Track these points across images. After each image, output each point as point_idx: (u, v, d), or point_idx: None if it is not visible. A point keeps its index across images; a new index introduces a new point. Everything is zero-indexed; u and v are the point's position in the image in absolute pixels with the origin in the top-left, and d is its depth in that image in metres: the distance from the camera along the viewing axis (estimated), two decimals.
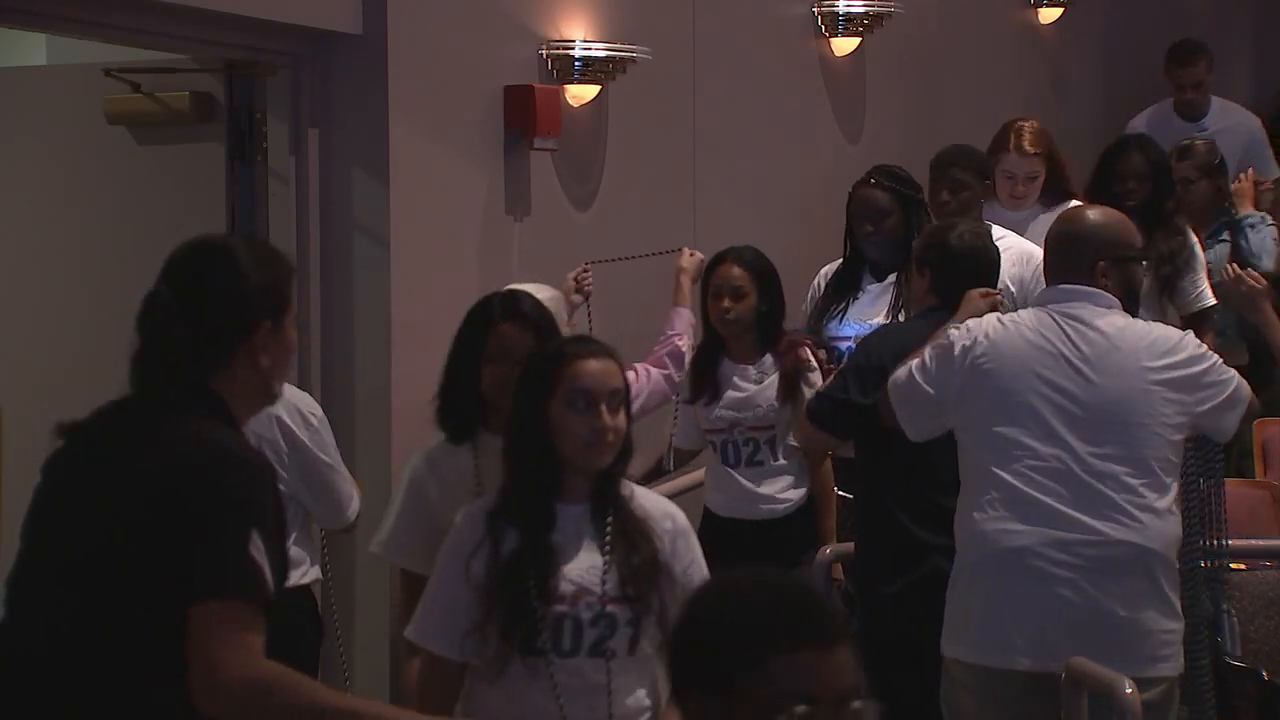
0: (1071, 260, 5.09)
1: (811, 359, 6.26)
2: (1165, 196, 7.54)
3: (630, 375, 5.74)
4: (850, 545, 6.07)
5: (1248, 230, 8.14)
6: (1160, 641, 4.88)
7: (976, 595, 4.96)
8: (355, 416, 6.23)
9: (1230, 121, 9.24)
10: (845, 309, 6.75)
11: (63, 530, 3.50)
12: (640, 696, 4.01)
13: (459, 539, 4.04)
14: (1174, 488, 4.96)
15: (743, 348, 6.24)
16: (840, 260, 6.84)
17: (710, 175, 7.69)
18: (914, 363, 5.13)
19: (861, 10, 8.26)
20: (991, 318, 5.12)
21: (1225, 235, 8.14)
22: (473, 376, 4.62)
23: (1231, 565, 5.62)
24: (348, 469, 5.64)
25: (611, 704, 3.96)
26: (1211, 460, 5.41)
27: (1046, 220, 7.39)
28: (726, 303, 6.22)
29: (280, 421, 5.29)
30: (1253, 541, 5.88)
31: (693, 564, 4.08)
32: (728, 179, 7.77)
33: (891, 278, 6.68)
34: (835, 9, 8.25)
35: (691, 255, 6.45)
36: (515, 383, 4.12)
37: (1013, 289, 6.41)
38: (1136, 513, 4.86)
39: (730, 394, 6.23)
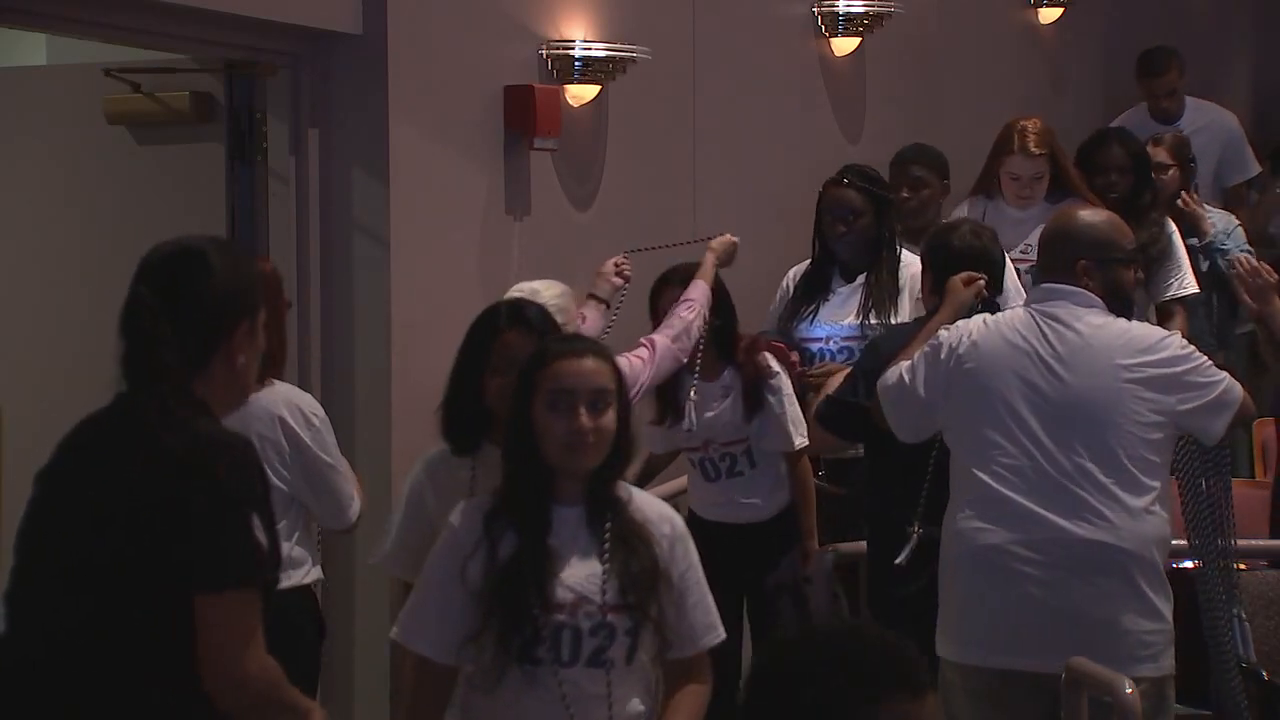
0: (1056, 259, 5.12)
1: (773, 365, 6.24)
2: (1144, 189, 7.54)
3: (634, 359, 5.76)
4: (848, 546, 6.09)
5: (1216, 255, 8.14)
6: (1138, 642, 4.88)
7: (956, 594, 5.00)
8: (355, 416, 6.22)
9: (1206, 119, 9.22)
10: (816, 310, 6.74)
11: (58, 538, 3.51)
12: (635, 704, 3.98)
13: (454, 539, 3.99)
14: (1156, 487, 4.94)
15: (705, 364, 6.19)
16: (808, 261, 6.83)
17: (710, 175, 7.69)
18: (904, 364, 5.15)
19: (861, 10, 8.26)
20: (978, 318, 5.14)
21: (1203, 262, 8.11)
22: (477, 387, 4.58)
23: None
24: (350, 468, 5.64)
25: (612, 714, 3.92)
26: (1219, 461, 5.41)
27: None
28: None
29: (282, 422, 5.28)
30: (1253, 542, 5.87)
31: (689, 569, 4.04)
32: (728, 179, 7.77)
33: (861, 278, 6.69)
34: (835, 9, 8.24)
35: (725, 236, 6.40)
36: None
37: None
38: (1108, 512, 4.87)
39: (704, 415, 6.19)
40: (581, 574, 3.91)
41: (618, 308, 6.33)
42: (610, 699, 3.92)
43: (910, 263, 6.67)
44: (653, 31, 7.23)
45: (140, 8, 5.76)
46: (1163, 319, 7.25)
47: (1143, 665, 4.85)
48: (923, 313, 5.82)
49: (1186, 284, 7.49)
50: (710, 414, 6.20)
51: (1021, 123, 7.43)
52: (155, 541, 3.37)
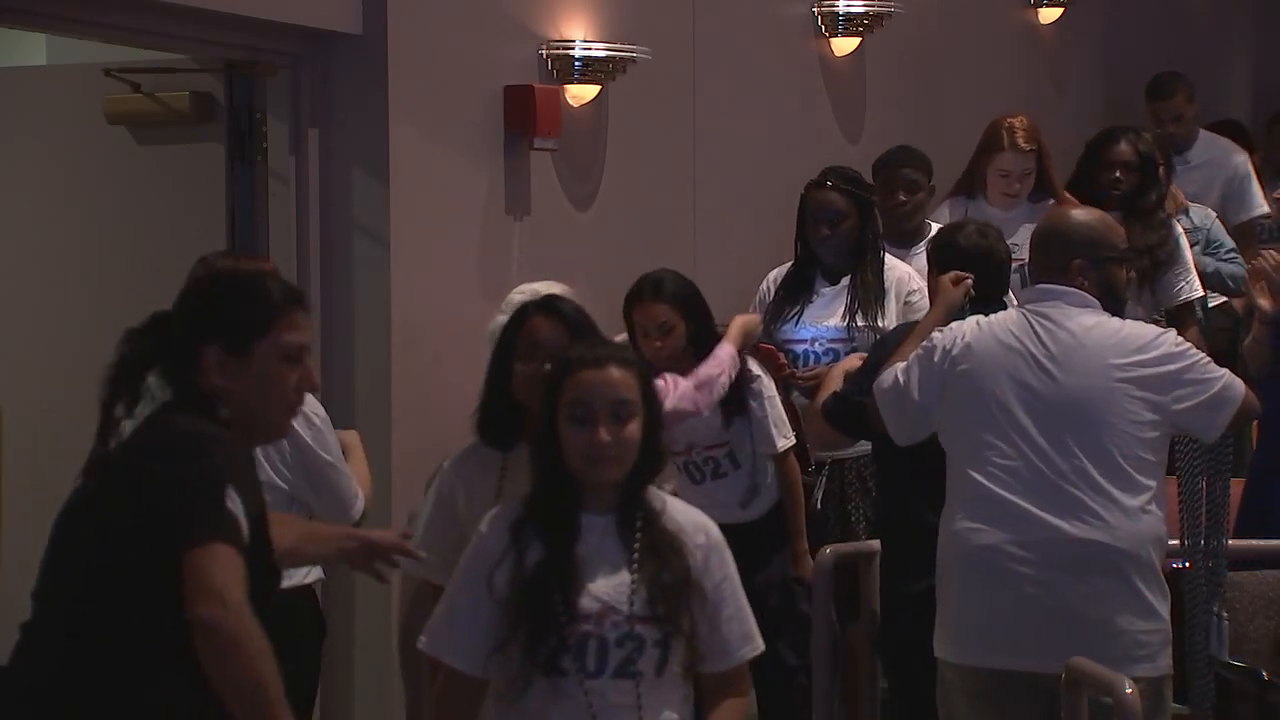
0: (1050, 259, 5.11)
1: (753, 368, 6.24)
2: (1150, 189, 7.51)
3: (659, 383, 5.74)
4: (846, 546, 6.09)
5: (1220, 263, 8.11)
6: (1134, 642, 4.88)
7: (953, 595, 5.00)
8: (355, 416, 6.22)
9: (1213, 154, 9.08)
10: (800, 312, 6.73)
11: (68, 533, 3.60)
12: (668, 716, 3.87)
13: (482, 548, 3.89)
14: (1152, 486, 4.94)
15: (682, 369, 6.19)
16: (789, 264, 6.82)
17: (710, 175, 7.69)
18: (899, 366, 5.15)
19: (861, 10, 8.26)
20: (971, 319, 5.13)
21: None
22: (507, 380, 4.53)
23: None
24: (356, 465, 5.64)
25: None
26: (1220, 459, 5.41)
27: (1035, 219, 7.42)
28: (657, 343, 6.15)
29: None
30: (1253, 542, 5.87)
31: (725, 580, 3.92)
32: (728, 179, 7.77)
33: (845, 280, 6.69)
34: (835, 9, 8.24)
35: (754, 316, 6.38)
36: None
37: None
38: (1103, 511, 4.86)
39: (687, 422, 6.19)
40: (609, 583, 3.82)
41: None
42: (640, 711, 3.83)
43: (893, 265, 6.68)
44: (653, 31, 7.23)
45: (140, 8, 5.76)
46: (1179, 325, 7.19)
47: (1139, 665, 4.85)
48: (912, 316, 5.82)
49: (1195, 287, 7.49)
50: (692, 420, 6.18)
51: (1009, 120, 7.43)
52: (137, 523, 3.44)
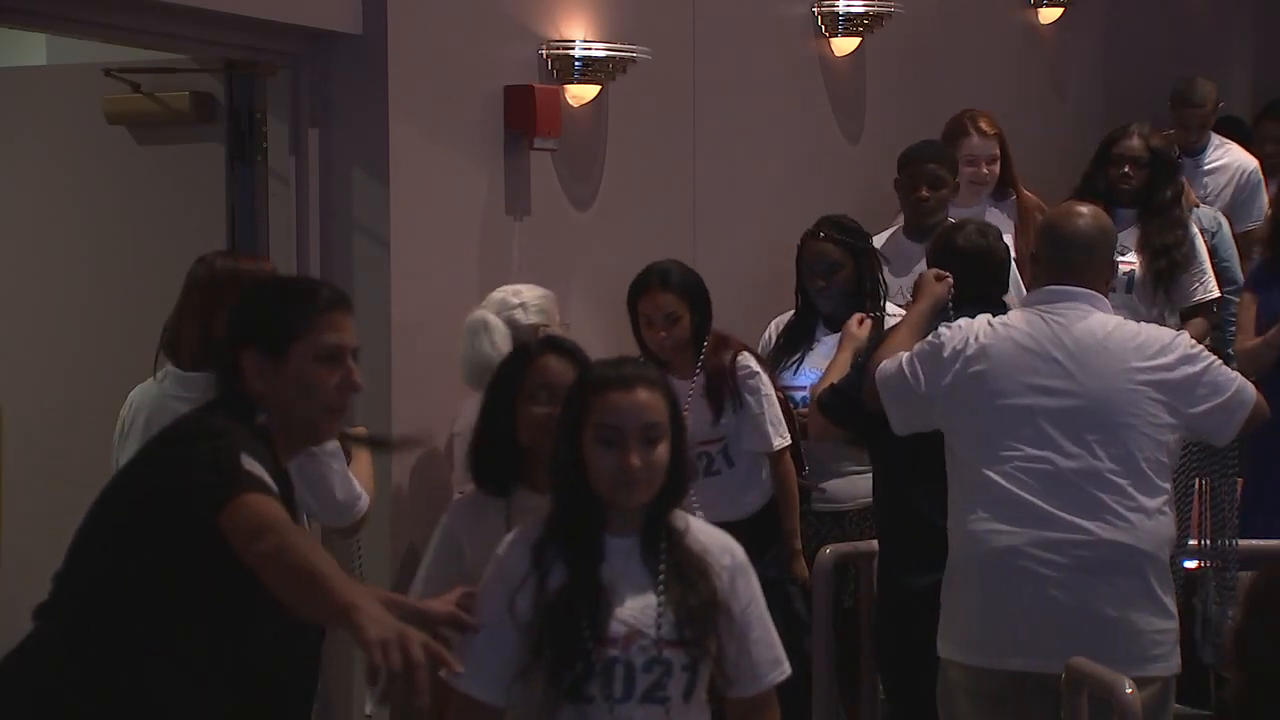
0: (1061, 261, 5.10)
1: (752, 364, 6.27)
2: (1163, 185, 7.49)
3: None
4: (845, 546, 6.08)
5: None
6: (1152, 641, 4.89)
7: (968, 596, 4.99)
8: (355, 416, 6.21)
9: (1225, 159, 9.06)
10: (801, 359, 6.71)
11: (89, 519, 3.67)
12: None
13: (501, 572, 3.77)
14: (1168, 488, 4.95)
15: (681, 364, 6.20)
16: (791, 312, 6.81)
17: (710, 175, 7.69)
18: (903, 356, 5.15)
19: (861, 10, 8.26)
20: (982, 319, 5.13)
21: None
22: (509, 423, 4.43)
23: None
24: (360, 467, 5.63)
25: None
26: (1226, 461, 5.41)
27: (996, 214, 7.43)
28: (663, 333, 6.18)
29: None
30: (1253, 543, 5.87)
31: (752, 602, 3.83)
32: (728, 179, 7.77)
33: None
34: (835, 9, 8.24)
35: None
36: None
37: None
38: (1125, 512, 4.87)
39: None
40: (635, 607, 3.72)
41: (567, 322, 6.30)
42: None
43: (894, 314, 6.64)
44: (653, 31, 7.23)
45: (140, 8, 5.76)
46: (1191, 325, 7.19)
47: (1155, 664, 4.88)
48: None
49: (1210, 288, 7.49)
50: (686, 414, 6.17)
51: (968, 110, 7.44)
52: (156, 504, 3.50)
